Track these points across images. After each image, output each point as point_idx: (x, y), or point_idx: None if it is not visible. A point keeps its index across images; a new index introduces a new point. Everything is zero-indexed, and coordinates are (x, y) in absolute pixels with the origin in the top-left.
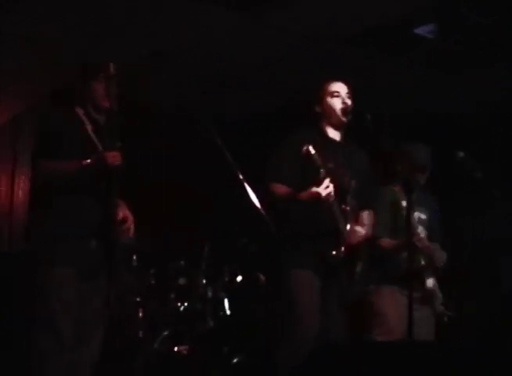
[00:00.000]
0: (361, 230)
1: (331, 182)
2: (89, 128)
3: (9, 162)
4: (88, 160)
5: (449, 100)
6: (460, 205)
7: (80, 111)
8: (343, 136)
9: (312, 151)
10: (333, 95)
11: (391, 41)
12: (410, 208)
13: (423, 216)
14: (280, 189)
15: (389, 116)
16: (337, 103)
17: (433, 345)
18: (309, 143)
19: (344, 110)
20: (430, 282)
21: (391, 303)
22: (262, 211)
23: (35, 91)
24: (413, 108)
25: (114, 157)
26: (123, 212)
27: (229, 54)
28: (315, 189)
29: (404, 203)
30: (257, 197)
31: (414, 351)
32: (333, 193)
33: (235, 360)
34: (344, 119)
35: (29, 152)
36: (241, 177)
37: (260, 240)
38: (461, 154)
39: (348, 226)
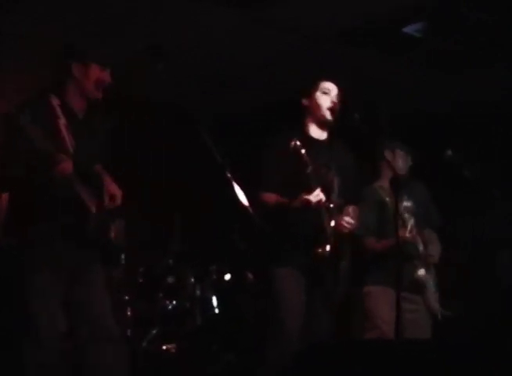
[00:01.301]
0: (349, 220)
1: (319, 182)
2: (61, 121)
3: None
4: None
5: (449, 100)
6: (458, 205)
7: (55, 101)
8: (328, 135)
9: (300, 146)
10: (323, 91)
11: (390, 41)
12: (397, 205)
13: (408, 203)
14: (270, 198)
15: (388, 116)
16: (325, 100)
17: (426, 343)
18: (296, 140)
19: (331, 109)
20: (421, 271)
21: (384, 305)
22: (250, 210)
23: (35, 90)
24: (413, 108)
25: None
26: (109, 188)
27: (228, 53)
28: (306, 196)
29: (388, 199)
30: (246, 196)
31: (405, 350)
32: (323, 200)
33: (223, 359)
34: (328, 117)
35: None
36: (229, 176)
37: (248, 238)
38: (449, 153)
39: (333, 223)
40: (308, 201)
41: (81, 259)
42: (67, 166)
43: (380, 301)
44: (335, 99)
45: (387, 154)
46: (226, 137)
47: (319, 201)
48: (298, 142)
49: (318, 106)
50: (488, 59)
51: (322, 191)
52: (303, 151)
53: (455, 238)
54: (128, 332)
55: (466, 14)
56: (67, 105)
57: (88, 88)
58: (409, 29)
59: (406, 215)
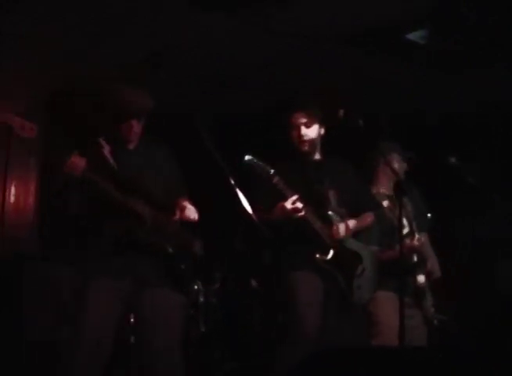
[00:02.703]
0: (344, 228)
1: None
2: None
3: (2, 165)
4: None
5: (449, 100)
6: (457, 207)
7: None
8: (320, 153)
9: (277, 180)
10: (290, 127)
11: (390, 41)
12: (402, 209)
13: (408, 208)
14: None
15: (388, 116)
16: (294, 135)
17: (428, 350)
18: (275, 173)
19: (300, 142)
20: (421, 278)
21: (388, 311)
22: (253, 216)
23: (34, 92)
24: (413, 108)
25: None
26: (181, 204)
27: (228, 54)
28: (281, 203)
29: (385, 203)
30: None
31: (409, 357)
32: (300, 207)
33: (227, 366)
34: (303, 149)
35: (22, 157)
36: (232, 182)
37: (251, 244)
38: (452, 160)
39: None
40: (283, 207)
41: (140, 276)
42: (77, 160)
43: (386, 306)
44: (303, 130)
45: (383, 159)
46: (226, 138)
47: (295, 208)
48: (276, 178)
49: (292, 142)
50: (488, 59)
51: (301, 200)
52: (281, 185)
53: (454, 239)
54: (132, 339)
55: (466, 14)
56: (117, 139)
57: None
58: (412, 35)
59: (414, 223)
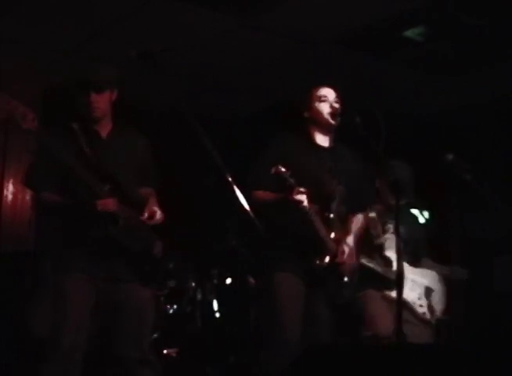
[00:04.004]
0: (350, 242)
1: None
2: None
3: None
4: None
5: (447, 101)
6: (454, 205)
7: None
8: (332, 141)
9: (283, 170)
10: (320, 99)
11: (384, 42)
12: (398, 211)
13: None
14: (261, 195)
15: (383, 118)
16: (324, 108)
17: (425, 346)
18: (279, 163)
19: (332, 114)
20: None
21: (382, 309)
22: (251, 214)
23: (28, 92)
24: (408, 109)
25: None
26: (150, 207)
27: (219, 56)
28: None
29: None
30: (246, 200)
31: (406, 353)
32: (304, 199)
33: (224, 362)
34: (332, 122)
35: (18, 154)
36: (230, 179)
37: (249, 242)
38: (450, 157)
39: (333, 235)
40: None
41: (114, 275)
42: (110, 203)
43: (379, 304)
44: (334, 104)
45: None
46: (215, 138)
47: (299, 200)
48: (282, 168)
49: (319, 115)
50: (487, 59)
51: (308, 195)
52: (286, 175)
53: (451, 236)
54: None
55: (463, 17)
56: (90, 128)
57: (88, 115)
58: (409, 32)
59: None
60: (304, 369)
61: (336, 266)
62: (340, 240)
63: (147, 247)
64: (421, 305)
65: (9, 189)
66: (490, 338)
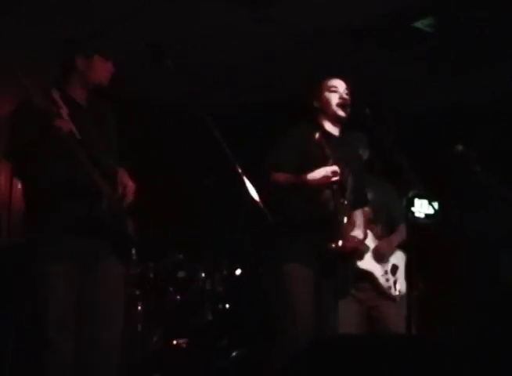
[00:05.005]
0: (359, 234)
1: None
2: (64, 111)
3: None
4: None
5: (455, 95)
6: (461, 199)
7: (56, 94)
8: (341, 132)
9: (322, 138)
10: (330, 90)
11: (392, 36)
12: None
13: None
14: (282, 176)
15: (390, 111)
16: (334, 98)
17: (435, 340)
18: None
19: (341, 105)
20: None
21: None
22: (261, 205)
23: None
24: (416, 106)
25: None
26: (122, 179)
27: (229, 48)
28: (323, 169)
29: None
30: (256, 191)
31: (413, 345)
32: (337, 180)
33: (233, 353)
34: (340, 113)
35: None
36: (240, 170)
37: (259, 233)
38: (460, 148)
39: (345, 219)
40: (326, 175)
41: (95, 253)
42: (64, 123)
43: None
44: (344, 95)
45: None
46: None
47: (335, 180)
48: (320, 135)
49: (328, 105)
50: (487, 59)
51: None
52: (325, 144)
53: (459, 230)
54: (139, 327)
55: (466, 14)
56: (69, 96)
57: (93, 79)
58: (418, 23)
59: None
60: (310, 361)
61: (347, 254)
62: (352, 227)
63: (123, 226)
64: (387, 280)
65: None
66: (494, 333)
